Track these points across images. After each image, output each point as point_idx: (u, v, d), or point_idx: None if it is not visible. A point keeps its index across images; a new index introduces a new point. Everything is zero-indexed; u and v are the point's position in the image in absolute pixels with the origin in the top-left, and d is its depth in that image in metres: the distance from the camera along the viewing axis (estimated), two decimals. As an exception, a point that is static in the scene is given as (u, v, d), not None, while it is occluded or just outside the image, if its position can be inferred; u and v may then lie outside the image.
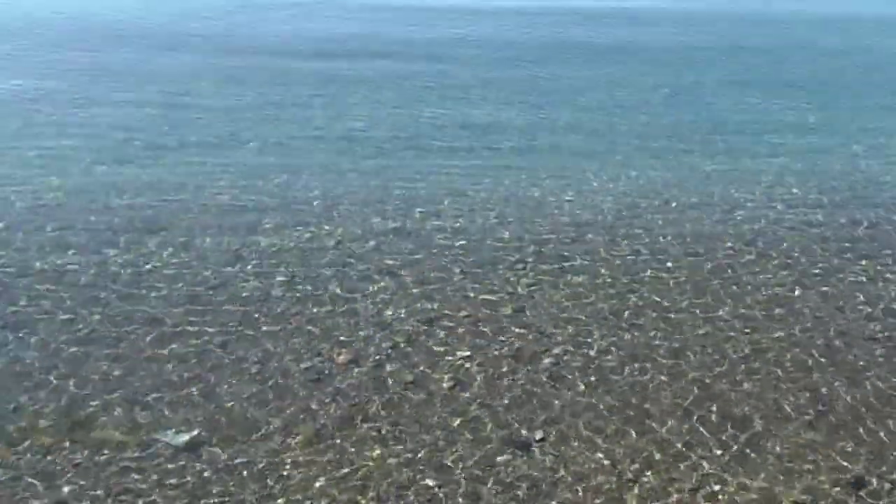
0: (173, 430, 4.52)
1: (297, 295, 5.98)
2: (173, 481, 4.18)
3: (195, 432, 4.49)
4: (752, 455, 4.43)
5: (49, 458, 4.30)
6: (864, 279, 6.41)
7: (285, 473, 4.25)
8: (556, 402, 4.84)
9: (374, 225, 7.16)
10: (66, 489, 4.10)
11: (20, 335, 5.40)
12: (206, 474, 4.23)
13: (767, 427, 4.65)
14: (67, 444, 4.40)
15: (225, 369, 5.10)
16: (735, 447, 4.49)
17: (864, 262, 6.68)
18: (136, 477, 4.20)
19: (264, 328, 5.55)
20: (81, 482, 4.14)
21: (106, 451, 4.36)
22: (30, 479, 4.15)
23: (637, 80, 12.54)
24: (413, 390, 4.93)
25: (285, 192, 7.86)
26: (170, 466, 4.27)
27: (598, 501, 4.10)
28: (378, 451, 4.41)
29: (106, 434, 4.49)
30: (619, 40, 15.24)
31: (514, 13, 17.38)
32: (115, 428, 4.54)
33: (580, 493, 4.14)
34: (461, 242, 6.88)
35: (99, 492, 4.09)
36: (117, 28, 15.19)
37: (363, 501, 4.08)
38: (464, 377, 5.06)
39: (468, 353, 5.31)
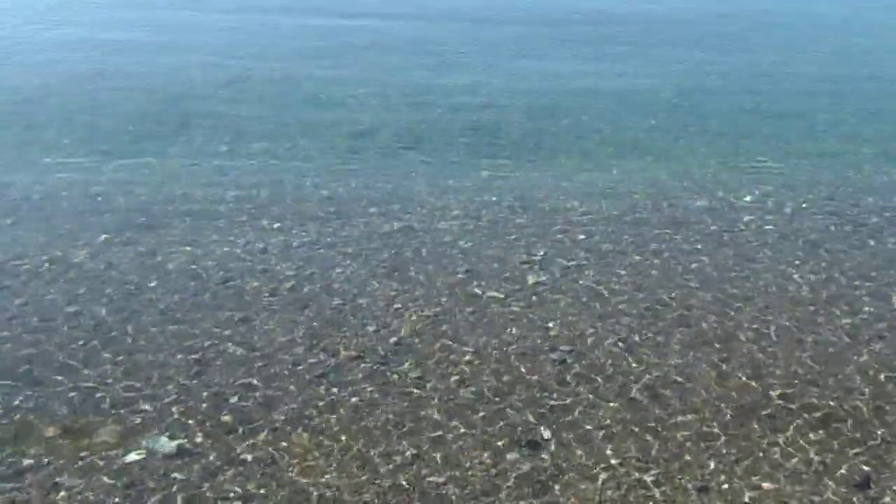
0: (167, 434, 4.46)
1: (303, 291, 5.98)
2: (176, 476, 4.16)
3: (182, 442, 4.40)
4: (760, 455, 4.41)
5: (48, 456, 4.27)
6: (866, 281, 6.39)
7: (290, 469, 4.23)
8: (564, 400, 4.82)
9: (382, 223, 7.16)
10: (63, 492, 4.07)
11: (22, 330, 5.40)
12: (208, 470, 4.21)
13: (775, 426, 4.63)
14: (67, 442, 4.38)
15: (229, 365, 5.09)
16: (743, 446, 4.47)
17: (868, 264, 6.66)
18: (143, 473, 4.19)
19: (269, 324, 5.55)
20: (81, 482, 4.11)
21: (106, 451, 4.33)
22: (28, 480, 4.12)
23: (641, 81, 12.54)
24: (419, 386, 4.91)
25: (291, 191, 7.87)
26: (171, 463, 4.25)
27: (605, 500, 4.08)
28: (383, 448, 4.39)
29: (108, 432, 4.47)
30: (621, 41, 15.23)
31: (517, 12, 17.38)
32: (116, 426, 4.52)
33: (588, 492, 4.13)
34: (467, 241, 6.87)
35: (99, 493, 4.07)
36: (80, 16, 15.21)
37: (368, 498, 4.06)
38: (470, 374, 5.05)
39: (474, 350, 5.29)
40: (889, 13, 18.69)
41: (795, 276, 6.40)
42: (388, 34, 15.30)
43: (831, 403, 4.85)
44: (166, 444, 4.38)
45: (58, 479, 4.11)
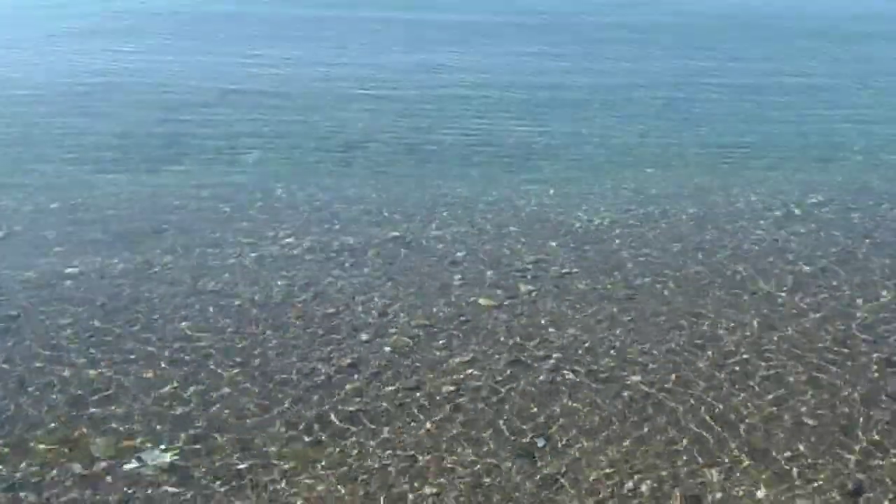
0: (161, 446, 4.43)
1: (298, 301, 5.98)
2: (171, 484, 4.16)
3: (176, 454, 4.37)
4: (755, 462, 4.42)
5: (44, 467, 4.25)
6: (864, 287, 6.42)
7: (285, 480, 4.23)
8: (559, 407, 4.83)
9: (375, 233, 7.17)
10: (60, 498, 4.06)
11: (15, 341, 5.39)
12: (202, 481, 4.20)
13: (770, 433, 4.65)
14: (66, 451, 4.36)
15: (224, 375, 5.08)
16: (737, 454, 4.48)
17: (864, 270, 6.70)
18: (135, 484, 4.18)
19: (264, 334, 5.55)
20: (75, 494, 4.09)
21: (100, 462, 4.30)
22: (24, 490, 4.11)
23: (634, 88, 12.61)
24: (414, 395, 4.92)
25: (286, 200, 7.87)
26: (165, 475, 4.24)
27: (599, 508, 4.10)
28: (379, 457, 4.39)
29: (102, 443, 4.45)
30: (616, 46, 15.32)
31: (513, 24, 17.44)
32: (112, 435, 4.51)
33: (583, 500, 4.14)
34: (461, 250, 6.89)
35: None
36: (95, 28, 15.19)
37: (363, 507, 4.07)
38: (465, 382, 5.05)
39: (469, 359, 5.30)
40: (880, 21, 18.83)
41: (788, 283, 6.43)
42: (383, 38, 15.36)
43: (822, 409, 4.88)
44: (160, 456, 4.37)
45: (52, 491, 4.10)
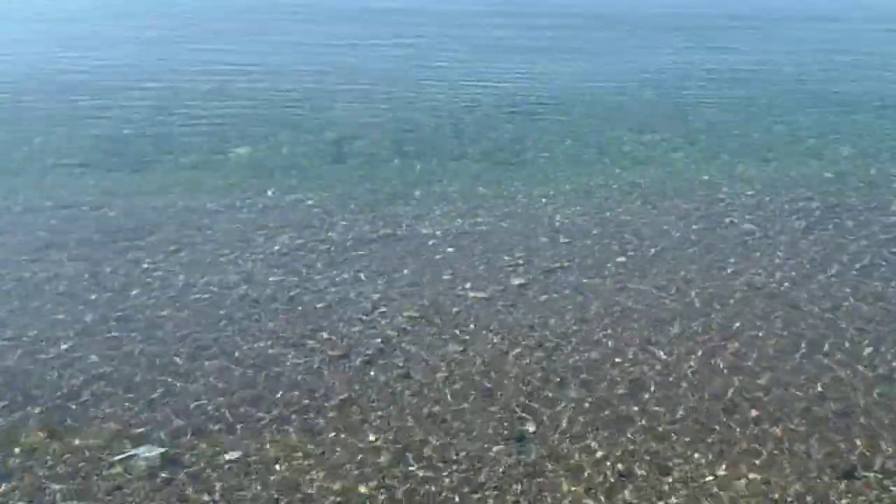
0: (154, 437, 4.43)
1: (290, 294, 5.98)
2: (164, 475, 4.15)
3: (170, 443, 4.37)
4: (744, 446, 4.44)
5: (34, 460, 4.25)
6: (853, 274, 6.45)
7: (277, 468, 4.23)
8: (549, 394, 4.84)
9: (366, 229, 7.17)
10: (48, 496, 4.04)
11: (12, 336, 5.37)
12: (193, 472, 4.20)
13: (759, 418, 4.67)
14: (55, 446, 4.35)
15: (218, 366, 5.08)
16: (727, 438, 4.49)
17: (855, 261, 6.72)
18: (128, 476, 4.17)
19: (257, 326, 5.54)
20: (68, 485, 4.09)
21: (95, 454, 4.30)
22: (14, 482, 4.10)
23: (625, 83, 12.66)
24: (405, 384, 4.92)
25: (278, 197, 7.87)
26: (157, 466, 4.23)
27: (590, 492, 4.10)
28: (371, 444, 4.40)
29: (96, 436, 4.44)
30: (608, 42, 15.37)
31: (507, 17, 17.50)
32: (104, 429, 4.50)
33: (573, 485, 4.14)
34: (451, 244, 6.89)
35: (85, 497, 4.05)
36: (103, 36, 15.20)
37: (356, 494, 4.06)
38: (456, 371, 5.06)
39: (460, 348, 5.31)
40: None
41: (777, 275, 6.45)
42: (374, 40, 15.39)
43: (811, 394, 4.90)
44: (152, 448, 4.35)
45: (44, 483, 4.09)
